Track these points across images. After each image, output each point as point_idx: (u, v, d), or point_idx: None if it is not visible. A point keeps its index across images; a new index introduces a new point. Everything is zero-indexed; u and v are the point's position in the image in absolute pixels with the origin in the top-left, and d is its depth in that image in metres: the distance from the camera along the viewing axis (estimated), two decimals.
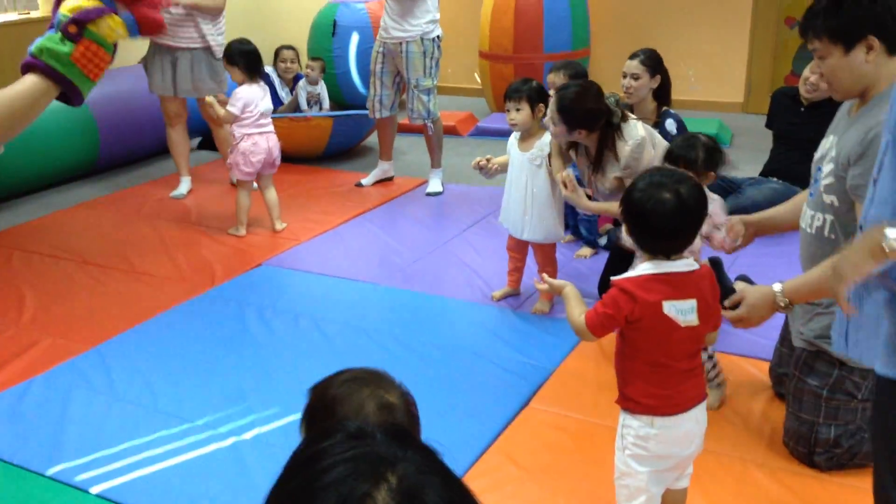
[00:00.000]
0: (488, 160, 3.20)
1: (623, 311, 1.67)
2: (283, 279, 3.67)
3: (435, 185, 4.82)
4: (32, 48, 1.44)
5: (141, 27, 1.53)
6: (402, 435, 0.77)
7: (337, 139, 5.36)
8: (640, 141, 2.83)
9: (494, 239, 4.01)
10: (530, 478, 2.27)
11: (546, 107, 3.04)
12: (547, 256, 3.19)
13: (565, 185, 2.89)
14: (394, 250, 3.95)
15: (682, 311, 1.68)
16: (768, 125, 4.31)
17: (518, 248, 3.25)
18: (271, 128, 4.07)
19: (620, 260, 3.20)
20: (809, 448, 2.24)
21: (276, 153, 4.10)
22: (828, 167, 2.10)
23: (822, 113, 3.94)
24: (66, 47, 1.43)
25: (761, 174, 4.23)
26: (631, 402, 1.75)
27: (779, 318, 2.58)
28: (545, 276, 1.94)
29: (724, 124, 5.87)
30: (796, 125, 4.07)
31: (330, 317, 3.25)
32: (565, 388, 2.70)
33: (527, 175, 3.08)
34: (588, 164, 3.00)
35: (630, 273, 1.72)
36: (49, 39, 1.44)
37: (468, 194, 4.77)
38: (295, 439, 2.46)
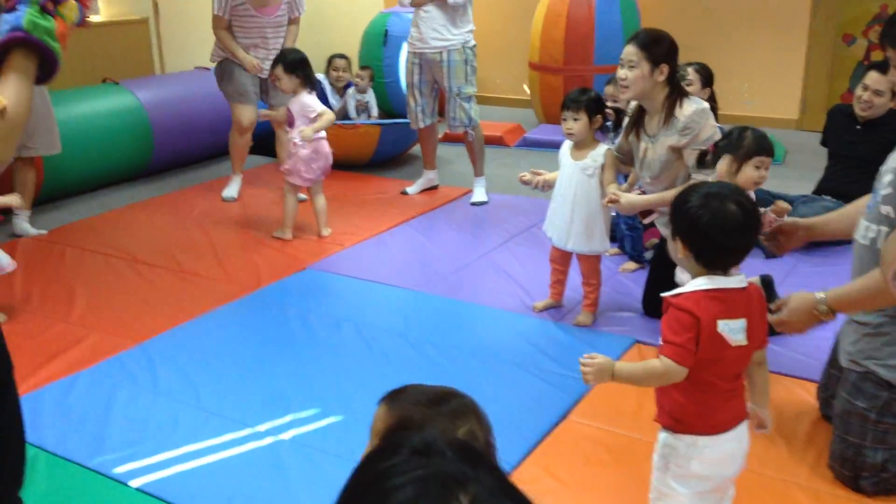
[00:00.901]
0: (535, 174, 3.18)
1: (692, 330, 1.62)
2: (326, 283, 3.70)
3: (479, 194, 4.82)
4: (22, 23, 1.37)
5: (82, 18, 1.50)
6: (472, 453, 0.73)
7: (384, 147, 5.40)
8: (706, 107, 2.87)
9: (537, 250, 3.99)
10: (567, 491, 2.24)
11: (603, 118, 3.04)
12: (592, 267, 3.16)
13: (612, 202, 2.89)
14: (436, 258, 3.95)
15: (734, 331, 1.64)
16: (823, 143, 4.22)
17: (561, 259, 3.23)
18: (325, 134, 4.11)
19: (664, 273, 3.16)
20: (855, 472, 2.17)
21: (331, 160, 4.15)
22: (888, 177, 2.07)
23: (879, 132, 3.86)
24: (49, 23, 1.40)
25: (814, 192, 4.15)
26: (673, 421, 1.71)
27: (829, 338, 2.53)
28: (586, 360, 1.74)
29: (778, 141, 5.76)
30: (852, 143, 3.99)
31: (371, 322, 3.26)
32: (605, 401, 2.66)
33: (577, 185, 3.05)
34: (645, 136, 2.98)
35: (683, 289, 1.67)
36: (33, 15, 1.37)
37: (513, 204, 4.76)
38: (332, 442, 2.49)
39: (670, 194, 2.71)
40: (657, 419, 1.78)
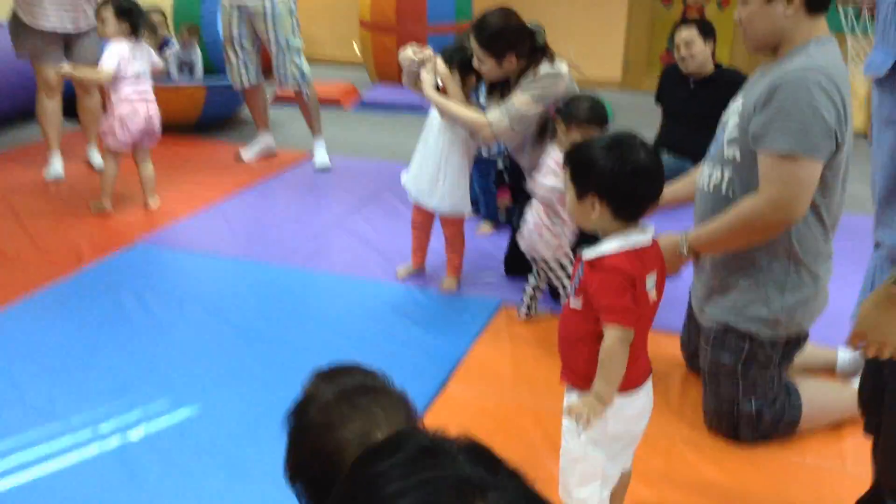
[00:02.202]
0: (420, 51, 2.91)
1: (630, 290, 1.50)
2: (161, 259, 3.34)
3: (322, 157, 4.56)
4: None
5: None
6: (487, 455, 0.60)
7: (211, 109, 4.99)
8: (565, 73, 2.76)
9: (391, 215, 3.83)
10: None
11: (477, 81, 2.90)
12: (456, 231, 3.04)
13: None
14: (284, 228, 3.68)
15: (650, 287, 1.56)
16: (658, 100, 4.34)
17: (423, 223, 3.09)
18: (152, 96, 3.69)
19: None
20: (733, 424, 2.21)
21: (157, 124, 3.73)
22: (733, 121, 2.10)
23: (711, 89, 4.00)
24: None
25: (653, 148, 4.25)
26: (586, 381, 1.61)
27: (683, 293, 2.55)
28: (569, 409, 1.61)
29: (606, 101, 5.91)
30: (686, 101, 4.11)
31: (219, 299, 2.97)
32: (482, 368, 2.57)
33: (447, 142, 2.90)
34: (505, 95, 2.85)
35: (604, 250, 1.54)
36: None
37: (359, 168, 4.56)
38: (191, 437, 2.21)
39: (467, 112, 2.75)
40: (565, 380, 1.67)
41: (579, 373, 1.63)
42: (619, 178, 1.52)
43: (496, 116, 2.74)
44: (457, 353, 2.63)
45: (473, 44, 2.74)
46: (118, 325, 2.77)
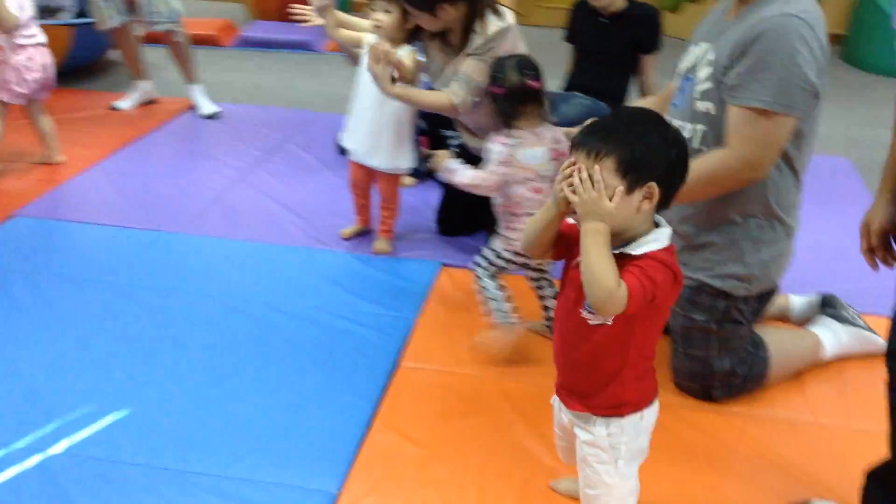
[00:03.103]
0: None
1: (660, 288, 1.32)
2: (47, 233, 2.93)
3: (206, 104, 4.16)
4: None
5: None
6: None
7: (79, 52, 4.43)
8: (513, 23, 2.54)
9: (300, 169, 3.55)
10: (433, 456, 1.95)
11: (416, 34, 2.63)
12: (393, 188, 2.82)
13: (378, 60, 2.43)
14: (180, 189, 3.32)
15: None
16: (569, 39, 4.18)
17: (363, 182, 2.84)
18: (44, 38, 3.20)
19: (459, 191, 2.92)
20: (705, 384, 2.15)
21: (52, 72, 3.28)
22: (704, 72, 1.98)
23: (624, 25, 3.89)
24: None
25: (565, 90, 4.12)
26: (615, 408, 1.45)
27: None
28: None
29: None
30: (598, 38, 3.97)
31: (123, 278, 2.63)
32: (435, 340, 2.39)
33: (379, 94, 2.66)
34: (449, 52, 2.61)
35: (652, 247, 1.33)
36: None
37: (253, 115, 4.19)
38: (125, 446, 1.92)
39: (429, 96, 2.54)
40: (591, 410, 1.47)
41: (611, 404, 1.45)
42: (678, 162, 1.35)
43: (458, 93, 2.52)
44: (405, 325, 2.44)
45: (404, 3, 2.49)
46: (9, 318, 2.40)
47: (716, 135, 1.97)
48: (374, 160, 2.70)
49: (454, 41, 2.59)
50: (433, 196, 3.20)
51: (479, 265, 2.32)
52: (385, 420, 2.06)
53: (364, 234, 2.97)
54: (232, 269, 2.74)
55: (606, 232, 1.29)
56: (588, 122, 1.43)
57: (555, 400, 1.59)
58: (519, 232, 2.11)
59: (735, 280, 2.06)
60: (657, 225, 1.38)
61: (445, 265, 2.80)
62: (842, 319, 2.33)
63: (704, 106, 1.98)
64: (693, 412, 2.14)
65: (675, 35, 5.08)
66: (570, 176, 1.32)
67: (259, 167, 3.56)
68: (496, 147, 2.23)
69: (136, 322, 2.41)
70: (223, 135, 3.95)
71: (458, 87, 2.53)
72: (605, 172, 1.29)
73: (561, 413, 1.57)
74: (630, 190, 1.29)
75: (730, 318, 2.11)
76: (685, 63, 2.10)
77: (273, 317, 2.46)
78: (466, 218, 3.00)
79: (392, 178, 2.80)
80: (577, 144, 1.34)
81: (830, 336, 2.28)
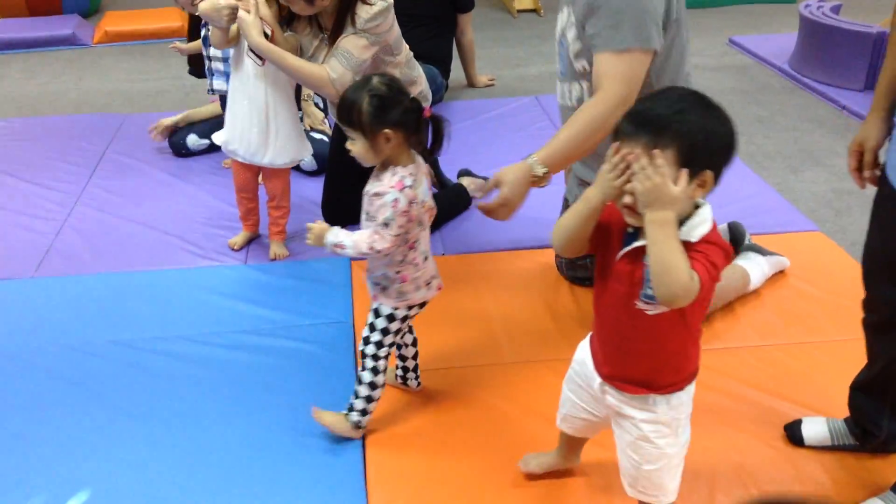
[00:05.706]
0: None
1: (720, 270, 1.29)
2: None
3: None
4: None
5: None
6: None
7: None
8: (388, 6, 2.39)
9: (140, 180, 3.16)
10: (434, 456, 1.85)
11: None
12: (284, 185, 2.60)
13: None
14: (23, 225, 2.83)
15: None
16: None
17: (249, 183, 2.60)
18: None
19: (342, 176, 2.76)
20: None
21: None
22: (571, 33, 2.10)
23: None
24: None
25: None
26: (679, 380, 1.45)
27: (555, 207, 2.46)
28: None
29: None
30: (415, 2, 3.93)
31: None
32: None
33: (267, 88, 2.41)
34: (323, 38, 2.44)
35: (702, 229, 1.29)
36: None
37: (49, 127, 3.66)
38: None
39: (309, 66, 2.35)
40: (651, 391, 1.44)
41: (676, 376, 1.44)
42: (733, 145, 1.32)
43: (338, 70, 2.32)
44: (347, 331, 2.28)
45: None
46: None
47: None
48: (264, 158, 2.48)
49: (327, 25, 2.43)
50: (309, 188, 3.00)
51: (375, 356, 1.83)
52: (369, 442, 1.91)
53: (252, 240, 2.72)
54: (124, 307, 2.39)
55: (674, 221, 1.26)
56: (633, 107, 1.37)
57: (579, 374, 1.56)
58: (417, 280, 1.80)
59: None
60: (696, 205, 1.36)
61: (353, 259, 2.65)
62: (760, 251, 2.51)
63: (581, 65, 2.08)
64: None
65: None
66: (625, 165, 1.28)
67: (93, 186, 3.12)
68: (392, 195, 1.67)
69: (31, 382, 2.04)
70: (29, 154, 3.40)
71: (336, 62, 2.36)
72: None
73: (606, 396, 1.54)
74: (694, 174, 1.26)
75: None
76: (557, 29, 2.19)
77: (201, 352, 2.18)
78: (355, 200, 2.84)
79: (283, 174, 2.59)
80: (629, 133, 1.30)
81: (755, 268, 2.45)
